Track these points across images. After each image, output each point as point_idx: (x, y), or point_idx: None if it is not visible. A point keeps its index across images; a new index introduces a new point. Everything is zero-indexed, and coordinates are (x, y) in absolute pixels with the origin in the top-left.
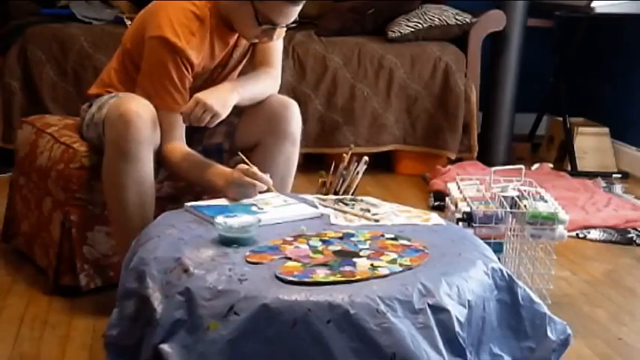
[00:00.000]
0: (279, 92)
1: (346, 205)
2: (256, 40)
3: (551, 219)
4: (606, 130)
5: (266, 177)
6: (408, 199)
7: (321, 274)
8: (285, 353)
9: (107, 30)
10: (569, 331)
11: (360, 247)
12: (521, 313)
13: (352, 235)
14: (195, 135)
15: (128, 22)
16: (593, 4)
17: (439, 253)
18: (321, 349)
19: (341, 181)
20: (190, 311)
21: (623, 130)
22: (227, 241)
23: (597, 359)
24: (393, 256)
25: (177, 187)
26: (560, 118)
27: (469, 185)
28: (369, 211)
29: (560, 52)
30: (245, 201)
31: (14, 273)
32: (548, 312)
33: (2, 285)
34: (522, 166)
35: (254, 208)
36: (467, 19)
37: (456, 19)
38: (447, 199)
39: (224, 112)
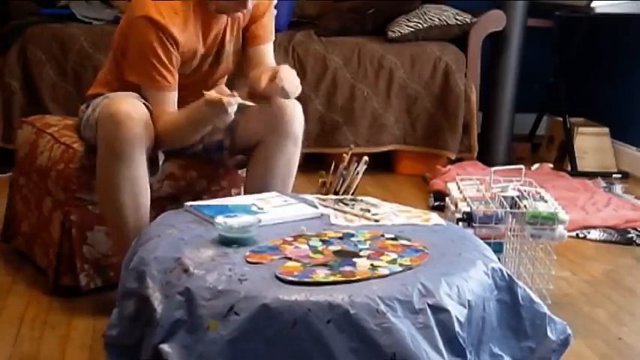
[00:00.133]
0: None
1: (346, 205)
2: (238, 14)
3: (551, 219)
4: (606, 130)
5: (230, 95)
6: (408, 199)
7: (321, 274)
8: (285, 353)
9: (107, 30)
10: (569, 331)
11: (360, 247)
12: (521, 313)
13: (352, 235)
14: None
15: None
16: (593, 4)
17: (439, 253)
18: (321, 349)
19: (341, 181)
20: (190, 311)
21: (623, 130)
22: (227, 241)
23: (597, 359)
24: (393, 256)
25: (178, 187)
26: (560, 118)
27: (469, 185)
28: (369, 211)
29: (560, 52)
30: (245, 201)
31: (14, 273)
32: (548, 312)
33: (2, 285)
34: (522, 166)
35: (254, 208)
36: (467, 19)
37: (456, 19)
38: (447, 199)
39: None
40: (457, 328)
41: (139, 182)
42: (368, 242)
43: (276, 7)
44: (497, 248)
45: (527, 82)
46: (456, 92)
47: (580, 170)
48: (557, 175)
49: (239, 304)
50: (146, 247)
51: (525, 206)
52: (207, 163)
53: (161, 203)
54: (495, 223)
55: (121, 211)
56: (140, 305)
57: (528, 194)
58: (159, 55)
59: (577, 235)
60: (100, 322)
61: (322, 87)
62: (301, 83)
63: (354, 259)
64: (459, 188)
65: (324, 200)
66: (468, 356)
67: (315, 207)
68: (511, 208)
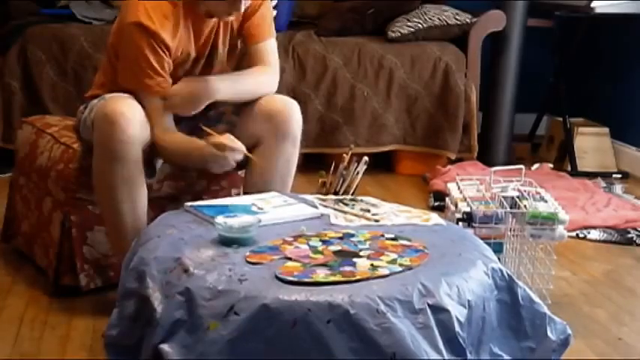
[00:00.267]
0: (279, 92)
1: (346, 205)
2: (230, 18)
3: (551, 219)
4: (606, 130)
5: (238, 144)
6: (408, 199)
7: (321, 274)
8: (285, 353)
9: (107, 30)
10: (569, 331)
11: (360, 247)
12: (521, 313)
13: (352, 235)
14: (195, 134)
15: None
16: (593, 4)
17: (439, 253)
18: (321, 349)
19: (341, 181)
20: (190, 311)
21: (623, 130)
22: (227, 241)
23: (597, 359)
24: (393, 256)
25: (177, 187)
26: (560, 118)
27: (469, 185)
28: (369, 211)
29: (560, 52)
30: (245, 201)
31: (14, 273)
32: (548, 312)
33: (2, 285)
34: (522, 166)
35: (254, 208)
36: (467, 19)
37: (456, 19)
38: (447, 199)
39: (194, 111)
40: (457, 328)
41: (135, 182)
42: (368, 242)
43: (275, 8)
44: (497, 248)
45: (527, 82)
46: (456, 92)
47: (580, 170)
48: (557, 175)
49: (239, 304)
50: (146, 247)
51: (525, 206)
52: None
53: (161, 203)
54: (495, 223)
55: (118, 212)
56: (140, 305)
57: (528, 194)
58: (150, 62)
59: (577, 235)
60: (100, 322)
61: (322, 87)
62: (301, 83)
63: (354, 259)
64: (459, 188)
65: (324, 200)
66: (468, 356)
67: (315, 207)
68: (511, 208)
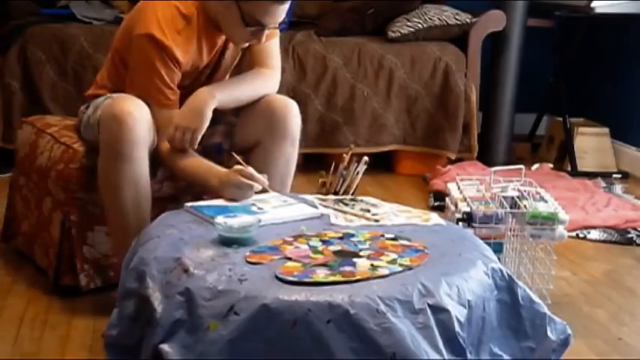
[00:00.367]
0: (279, 92)
1: (346, 205)
2: (246, 44)
3: (551, 219)
4: (606, 130)
5: (262, 177)
6: (408, 199)
7: (321, 274)
8: (285, 353)
9: (107, 30)
10: (569, 331)
11: (360, 247)
12: (521, 313)
13: (352, 235)
14: None
15: None
16: (593, 4)
17: (439, 253)
18: (321, 349)
19: (341, 181)
20: (190, 311)
21: (623, 130)
22: (227, 241)
23: (597, 359)
24: (393, 256)
25: (178, 187)
26: (560, 118)
27: (469, 185)
28: (369, 211)
29: (560, 52)
30: (245, 201)
31: (14, 273)
32: (548, 312)
33: (2, 285)
34: (522, 166)
35: (254, 208)
36: (467, 19)
37: (456, 19)
38: (447, 199)
39: (202, 124)
40: (457, 328)
41: (140, 182)
42: (368, 242)
43: None
44: (497, 248)
45: (527, 82)
46: (456, 92)
47: (580, 170)
48: (557, 175)
49: (239, 304)
50: (146, 247)
51: (525, 206)
52: None
53: (161, 203)
54: (495, 223)
55: (123, 211)
56: (140, 305)
57: (528, 194)
58: (161, 75)
59: (577, 235)
60: (100, 322)
61: (322, 87)
62: (301, 83)
63: (354, 259)
64: (459, 188)
65: (324, 200)
66: (468, 356)
67: (315, 207)
68: (511, 208)
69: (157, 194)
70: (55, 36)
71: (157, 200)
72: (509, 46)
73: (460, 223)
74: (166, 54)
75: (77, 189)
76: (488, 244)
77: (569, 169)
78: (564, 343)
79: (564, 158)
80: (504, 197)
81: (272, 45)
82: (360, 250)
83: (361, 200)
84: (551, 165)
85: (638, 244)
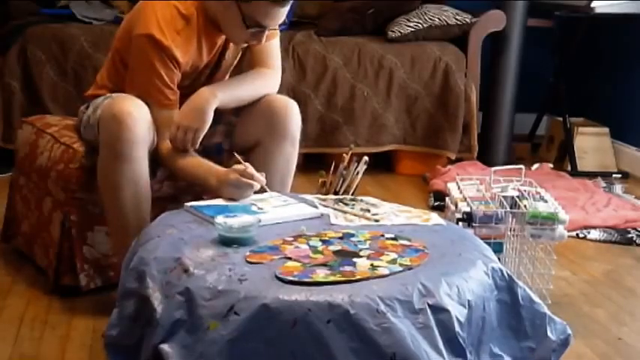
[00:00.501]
0: (279, 92)
1: (346, 205)
2: (245, 45)
3: (551, 219)
4: (606, 130)
5: (261, 177)
6: (408, 199)
7: (321, 274)
8: (285, 353)
9: (107, 30)
10: (569, 331)
11: (360, 247)
12: (521, 313)
13: (352, 235)
14: None
15: None
16: (593, 4)
17: (439, 253)
18: (321, 349)
19: (341, 181)
20: (190, 311)
21: (623, 130)
22: (227, 241)
23: (597, 359)
24: (393, 256)
25: (177, 187)
26: (560, 118)
27: (469, 185)
28: (369, 211)
29: (560, 52)
30: (245, 201)
31: (14, 273)
32: (548, 312)
33: (2, 285)
34: (522, 166)
35: (254, 208)
36: (467, 19)
37: (456, 19)
38: (447, 199)
39: (204, 124)
40: (457, 328)
41: (140, 182)
42: (368, 242)
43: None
44: (497, 248)
45: (527, 82)
46: (456, 92)
47: (580, 170)
48: (557, 175)
49: (239, 304)
50: (146, 247)
51: (525, 206)
52: None
53: (161, 203)
54: (495, 223)
55: (123, 212)
56: (140, 305)
57: (528, 194)
58: (161, 75)
59: (577, 235)
60: (100, 322)
61: (322, 87)
62: (301, 83)
63: (354, 259)
64: (459, 188)
65: (324, 200)
66: (468, 356)
67: (315, 207)
68: (511, 208)
69: (156, 194)
70: (55, 36)
71: (157, 200)
72: (509, 46)
73: (460, 223)
74: (166, 54)
75: (77, 189)
76: (489, 244)
77: (569, 169)
78: (564, 343)
79: (564, 158)
80: (504, 197)
81: (273, 45)
82: (360, 250)
83: (361, 200)
84: (551, 165)
85: (638, 244)
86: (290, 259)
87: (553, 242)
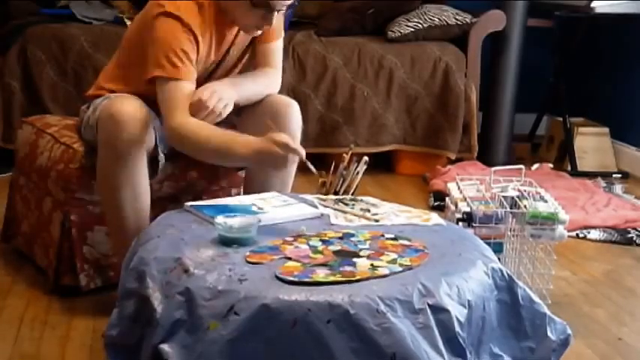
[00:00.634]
0: (279, 92)
1: (346, 205)
2: (257, 32)
3: (551, 219)
4: (606, 130)
5: (299, 148)
6: (408, 199)
7: (321, 274)
8: (285, 353)
9: (107, 30)
10: (569, 331)
11: (360, 247)
12: (521, 313)
13: (352, 235)
14: None
15: (128, 22)
16: (593, 4)
17: (439, 253)
18: (321, 349)
19: (341, 181)
20: (190, 311)
21: (623, 130)
22: (227, 241)
23: (597, 359)
24: (393, 256)
25: (178, 187)
26: (560, 118)
27: (469, 185)
28: (369, 211)
29: (560, 52)
30: (245, 201)
31: (14, 273)
32: (548, 312)
33: (2, 285)
34: (522, 166)
35: (254, 208)
36: (467, 19)
37: (456, 19)
38: (447, 199)
39: (234, 102)
40: (457, 328)
41: (139, 183)
42: (368, 242)
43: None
44: (497, 248)
45: (527, 82)
46: (456, 92)
47: (580, 170)
48: (557, 175)
49: (239, 304)
50: (146, 247)
51: (525, 206)
52: (207, 163)
53: (161, 203)
54: (495, 223)
55: (122, 212)
56: (140, 305)
57: (528, 194)
58: (182, 46)
59: (577, 235)
60: (100, 322)
61: (322, 87)
62: (301, 83)
63: (354, 259)
64: (459, 188)
65: (324, 200)
66: (468, 356)
67: (315, 207)
68: (511, 208)
69: (156, 194)
70: (55, 36)
71: (157, 200)
72: (509, 46)
73: (460, 223)
74: (188, 29)
75: (77, 189)
76: (488, 244)
77: (569, 169)
78: (564, 343)
79: (564, 158)
80: (504, 197)
81: (277, 45)
82: (360, 250)
83: (361, 200)
84: (551, 165)
85: (638, 244)
86: (290, 259)
87: (553, 242)
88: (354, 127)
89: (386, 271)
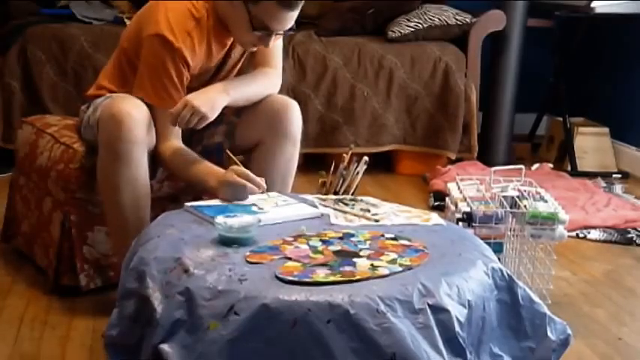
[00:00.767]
0: (279, 92)
1: (346, 205)
2: (253, 48)
3: (551, 219)
4: (606, 130)
5: (259, 180)
6: (408, 199)
7: (321, 274)
8: (285, 353)
9: (107, 30)
10: (569, 331)
11: (360, 247)
12: (521, 313)
13: (352, 235)
14: (195, 135)
15: (128, 22)
16: (593, 4)
17: (439, 253)
18: (321, 349)
19: (341, 181)
20: (190, 311)
21: (623, 130)
22: (227, 241)
23: (597, 359)
24: (393, 256)
25: (177, 187)
26: (560, 118)
27: (469, 185)
28: (369, 211)
29: (560, 52)
30: (245, 201)
31: (14, 273)
32: (548, 312)
33: (2, 285)
34: (522, 166)
35: (254, 208)
36: (467, 19)
37: (456, 19)
38: (447, 199)
39: (212, 115)
40: (457, 328)
41: (139, 183)
42: (368, 242)
43: None
44: (497, 248)
45: (527, 82)
46: (456, 92)
47: (580, 170)
48: (557, 175)
49: (239, 304)
50: (146, 247)
51: (525, 206)
52: None
53: (161, 203)
54: (495, 223)
55: (122, 212)
56: (140, 305)
57: (528, 194)
58: (171, 76)
59: (577, 235)
60: (100, 322)
61: (322, 87)
62: (301, 83)
63: (354, 259)
64: (459, 188)
65: (324, 200)
66: (468, 356)
67: (315, 207)
68: (511, 208)
69: (156, 194)
70: (55, 36)
71: (157, 200)
72: (509, 46)
73: (460, 223)
74: (177, 55)
75: (77, 189)
76: (489, 244)
77: (569, 169)
78: (564, 343)
79: (564, 158)
80: (504, 197)
81: (277, 45)
82: (360, 250)
83: (361, 200)
84: (551, 165)
85: (638, 244)
86: (290, 259)
87: (553, 242)
88: (354, 127)
89: (386, 271)
